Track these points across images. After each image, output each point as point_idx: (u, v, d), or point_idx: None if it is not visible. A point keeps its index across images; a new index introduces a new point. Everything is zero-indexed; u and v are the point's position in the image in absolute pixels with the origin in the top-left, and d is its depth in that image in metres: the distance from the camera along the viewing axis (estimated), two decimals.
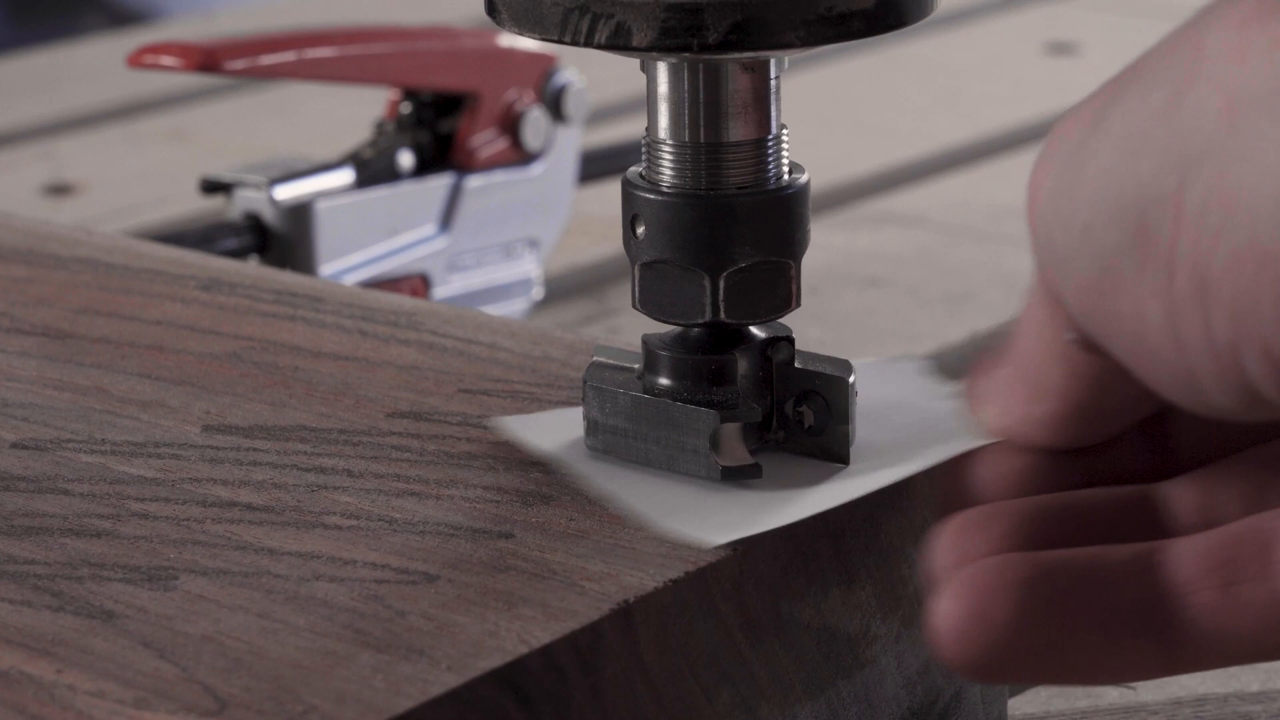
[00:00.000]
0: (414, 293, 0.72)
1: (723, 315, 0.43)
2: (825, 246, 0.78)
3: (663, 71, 0.43)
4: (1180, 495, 0.38)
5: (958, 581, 0.35)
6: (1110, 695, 0.48)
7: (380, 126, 0.74)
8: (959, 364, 0.47)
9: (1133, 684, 0.47)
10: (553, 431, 0.44)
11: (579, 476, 0.42)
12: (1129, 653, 0.35)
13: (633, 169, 0.44)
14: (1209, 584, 0.35)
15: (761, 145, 0.43)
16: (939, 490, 0.39)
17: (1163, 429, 0.39)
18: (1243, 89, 0.32)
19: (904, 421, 0.43)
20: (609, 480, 0.42)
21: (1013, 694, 0.48)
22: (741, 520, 0.40)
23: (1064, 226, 0.34)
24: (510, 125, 0.74)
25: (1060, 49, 1.05)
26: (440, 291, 0.73)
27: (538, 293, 0.76)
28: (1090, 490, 0.38)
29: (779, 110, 0.43)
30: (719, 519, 0.40)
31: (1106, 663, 0.35)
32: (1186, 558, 0.35)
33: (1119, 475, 0.38)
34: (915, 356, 0.46)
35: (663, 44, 0.41)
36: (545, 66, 0.75)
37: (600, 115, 0.89)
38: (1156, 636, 0.35)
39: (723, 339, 0.43)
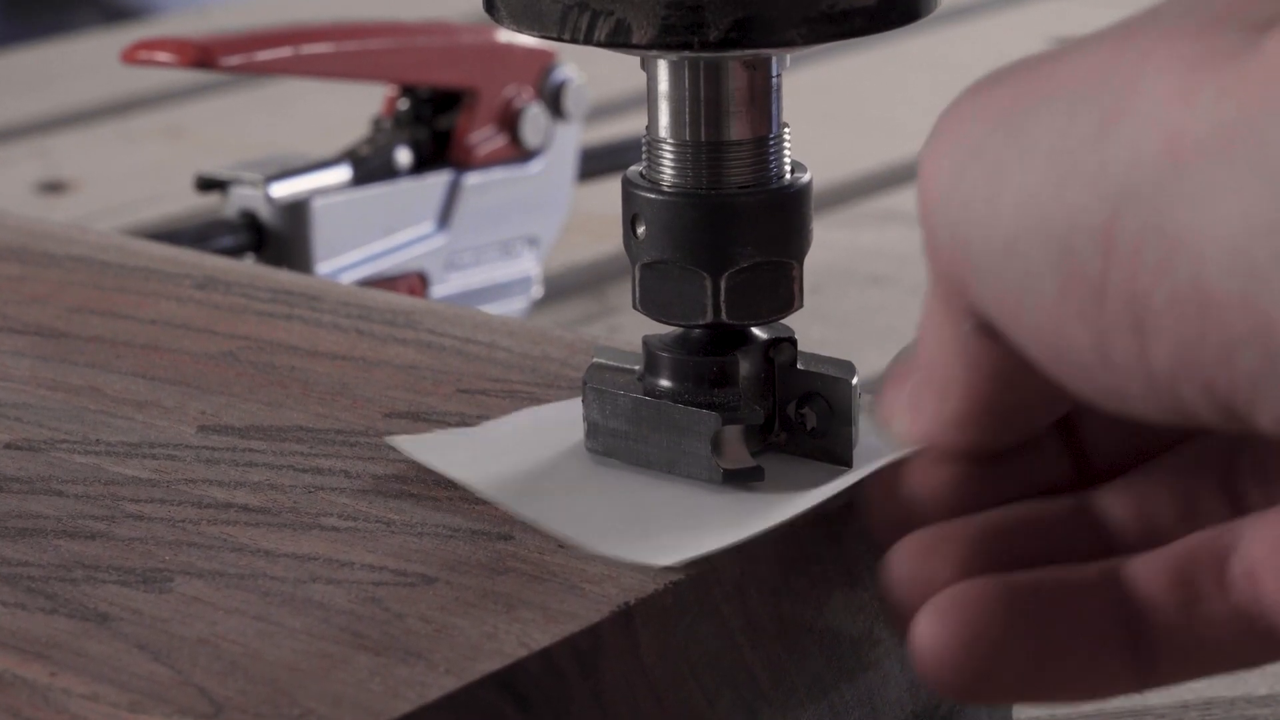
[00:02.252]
0: (412, 291, 0.72)
1: (724, 316, 0.42)
2: (828, 244, 0.78)
3: (663, 69, 0.43)
4: (1115, 505, 0.38)
5: (937, 606, 0.36)
6: (1116, 699, 0.48)
7: (377, 123, 0.74)
8: None
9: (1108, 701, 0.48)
10: (456, 452, 0.43)
11: (497, 503, 0.41)
12: (1106, 670, 0.36)
13: (633, 168, 0.43)
14: (1170, 602, 0.35)
15: (763, 144, 0.42)
16: (868, 505, 0.39)
17: (1077, 435, 0.39)
18: (1187, 133, 0.31)
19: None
20: (527, 506, 0.41)
21: None
22: (684, 541, 0.39)
23: (983, 236, 0.34)
24: (509, 122, 0.74)
25: (1066, 44, 1.04)
26: (438, 290, 0.73)
27: (537, 291, 0.76)
28: (1028, 504, 0.38)
29: (781, 108, 0.43)
30: (660, 540, 0.40)
31: (1086, 681, 0.36)
32: (1147, 576, 0.36)
33: (1041, 484, 0.38)
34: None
35: (663, 41, 0.40)
36: (544, 62, 0.75)
37: (600, 112, 0.89)
38: (1131, 653, 0.35)
39: (724, 340, 0.43)
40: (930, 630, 0.35)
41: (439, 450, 0.43)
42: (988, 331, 0.35)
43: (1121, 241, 0.32)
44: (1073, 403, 0.37)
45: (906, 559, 0.37)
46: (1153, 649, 0.35)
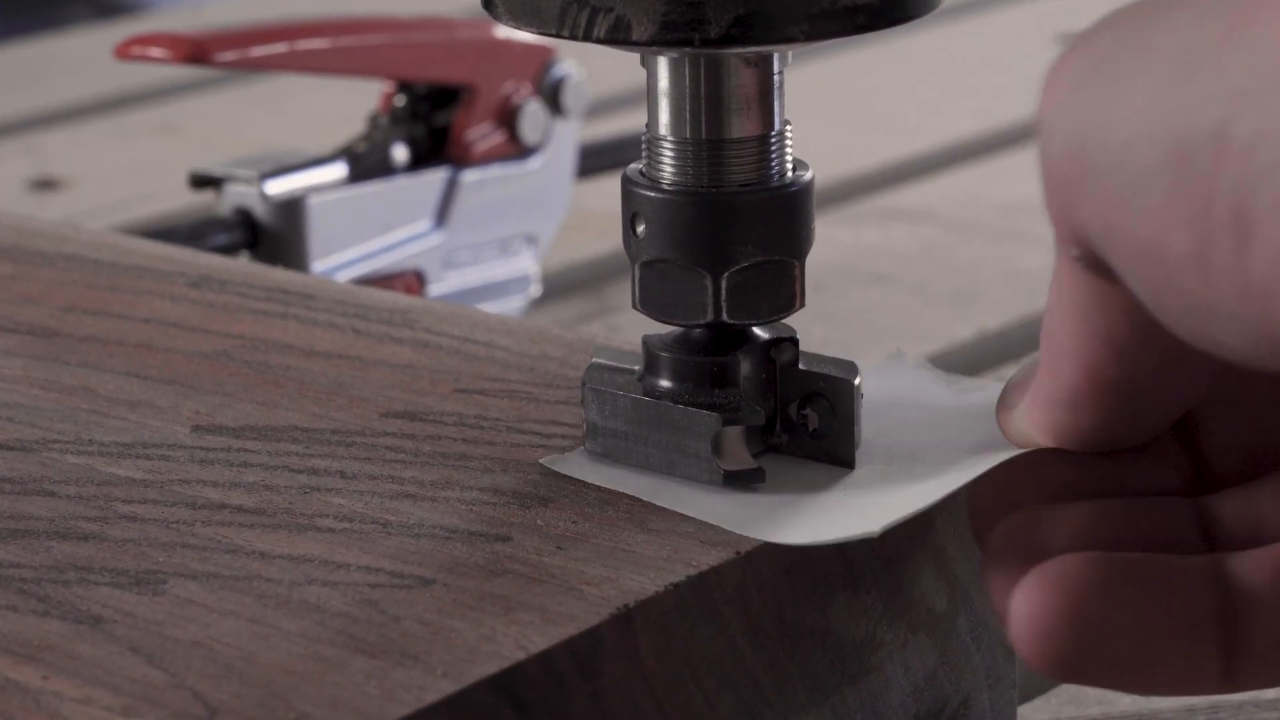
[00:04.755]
0: (409, 290, 0.72)
1: (725, 316, 0.42)
2: (830, 242, 0.77)
3: (663, 67, 0.42)
4: (1228, 509, 0.38)
5: (1043, 574, 0.35)
6: (1123, 703, 0.48)
7: (374, 120, 0.74)
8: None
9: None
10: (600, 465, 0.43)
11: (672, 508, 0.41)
12: (1197, 662, 0.35)
13: (633, 166, 0.43)
14: (1272, 597, 0.35)
15: (764, 141, 0.42)
16: (976, 498, 0.39)
17: (1198, 445, 0.39)
18: None
19: (912, 419, 0.43)
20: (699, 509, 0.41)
21: (1022, 701, 0.47)
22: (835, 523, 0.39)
23: (1099, 137, 0.34)
24: (507, 118, 0.74)
25: (1071, 40, 1.04)
26: (436, 288, 0.73)
27: (535, 290, 0.76)
28: (1141, 499, 0.38)
29: (782, 105, 0.42)
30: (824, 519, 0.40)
31: (1174, 671, 0.35)
32: (1252, 568, 0.35)
33: (1156, 490, 0.38)
34: (903, 355, 0.45)
35: (663, 38, 0.40)
36: (543, 58, 0.74)
37: (599, 108, 0.89)
38: (1220, 647, 0.35)
39: (725, 340, 0.43)
40: (1032, 598, 0.35)
41: (588, 466, 0.43)
42: (1091, 262, 0.35)
43: (1235, 141, 0.32)
44: (1188, 397, 0.37)
45: (1011, 533, 0.37)
46: (1244, 648, 0.35)
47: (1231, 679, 0.35)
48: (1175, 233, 0.33)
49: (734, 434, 0.42)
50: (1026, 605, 0.35)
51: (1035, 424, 0.39)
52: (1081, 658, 0.35)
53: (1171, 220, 0.33)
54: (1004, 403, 0.40)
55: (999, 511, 0.38)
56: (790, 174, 0.43)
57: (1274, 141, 0.31)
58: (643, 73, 0.43)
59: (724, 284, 0.42)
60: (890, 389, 0.44)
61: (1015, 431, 0.39)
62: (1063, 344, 0.37)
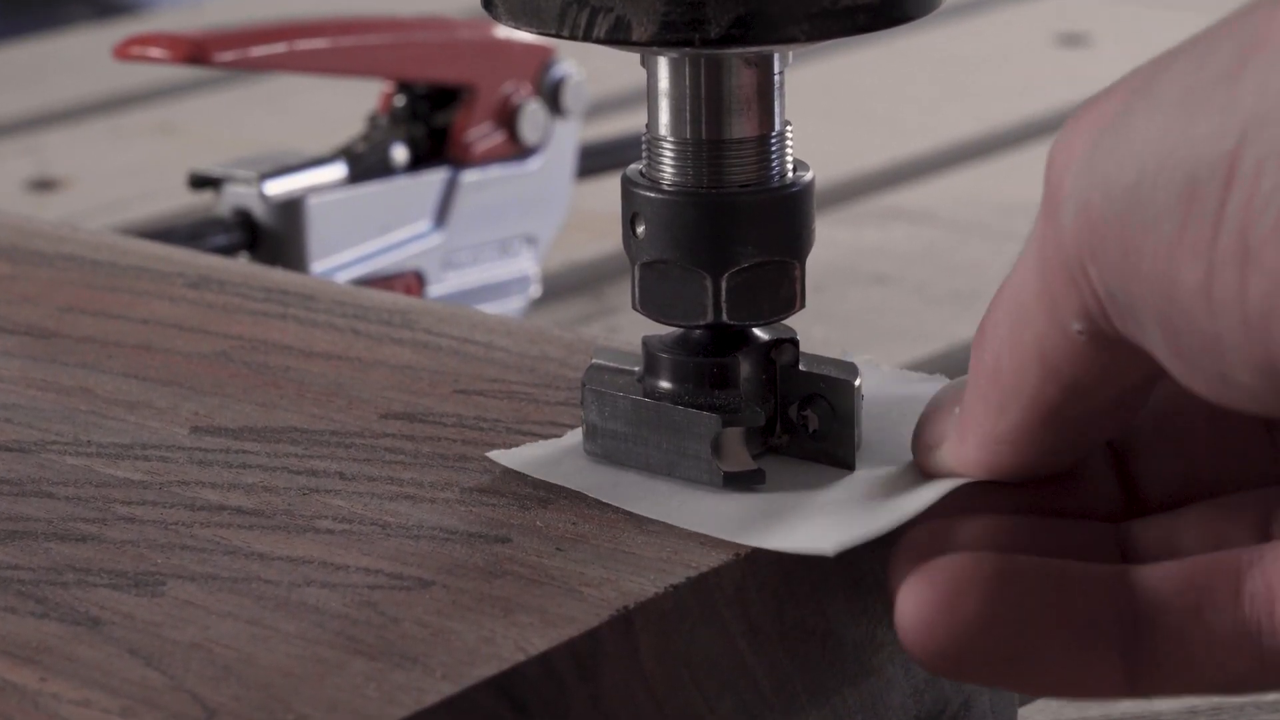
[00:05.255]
0: (408, 291, 0.72)
1: (725, 317, 0.42)
2: (831, 243, 0.77)
3: (663, 67, 0.42)
4: (1147, 533, 0.38)
5: (928, 570, 0.35)
6: (1124, 703, 0.48)
7: (373, 120, 0.74)
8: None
9: (1086, 703, 0.48)
10: (561, 462, 0.43)
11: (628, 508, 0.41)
12: (1094, 665, 0.35)
13: (633, 166, 0.43)
14: (1179, 606, 0.35)
15: (765, 142, 0.42)
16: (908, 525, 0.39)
17: (1130, 474, 0.39)
18: None
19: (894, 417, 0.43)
20: (651, 507, 0.41)
21: (1023, 703, 0.47)
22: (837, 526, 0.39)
23: (1105, 187, 0.34)
24: (507, 118, 0.74)
25: (1072, 40, 1.04)
26: (435, 289, 0.73)
27: (535, 290, 0.75)
28: (1059, 519, 0.38)
29: (783, 106, 0.42)
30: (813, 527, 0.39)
31: (1070, 674, 0.35)
32: (1159, 580, 0.35)
33: (1082, 513, 0.39)
34: (872, 361, 0.45)
35: (663, 38, 0.40)
36: (543, 58, 0.74)
37: (599, 108, 0.89)
38: (1123, 653, 0.35)
39: (725, 341, 0.43)
40: (915, 594, 0.35)
41: (542, 463, 0.43)
42: (1094, 334, 0.35)
43: (1244, 167, 0.32)
44: (1120, 423, 0.37)
45: (917, 537, 0.37)
46: (1149, 655, 0.35)
47: (1137, 685, 0.35)
48: (1185, 266, 0.33)
49: (734, 435, 0.42)
50: (909, 599, 0.35)
51: (970, 463, 0.38)
52: (963, 654, 0.35)
53: (1181, 254, 0.33)
54: (923, 442, 0.40)
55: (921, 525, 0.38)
56: (791, 174, 0.43)
57: (1278, 165, 0.32)
58: (643, 73, 0.43)
59: (724, 285, 0.42)
60: (880, 391, 0.44)
61: (943, 470, 0.39)
62: (1015, 386, 0.37)
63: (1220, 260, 0.32)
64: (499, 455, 0.43)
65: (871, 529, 0.39)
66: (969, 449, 0.38)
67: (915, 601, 0.35)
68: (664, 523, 0.41)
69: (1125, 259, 0.34)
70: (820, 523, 0.40)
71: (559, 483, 0.42)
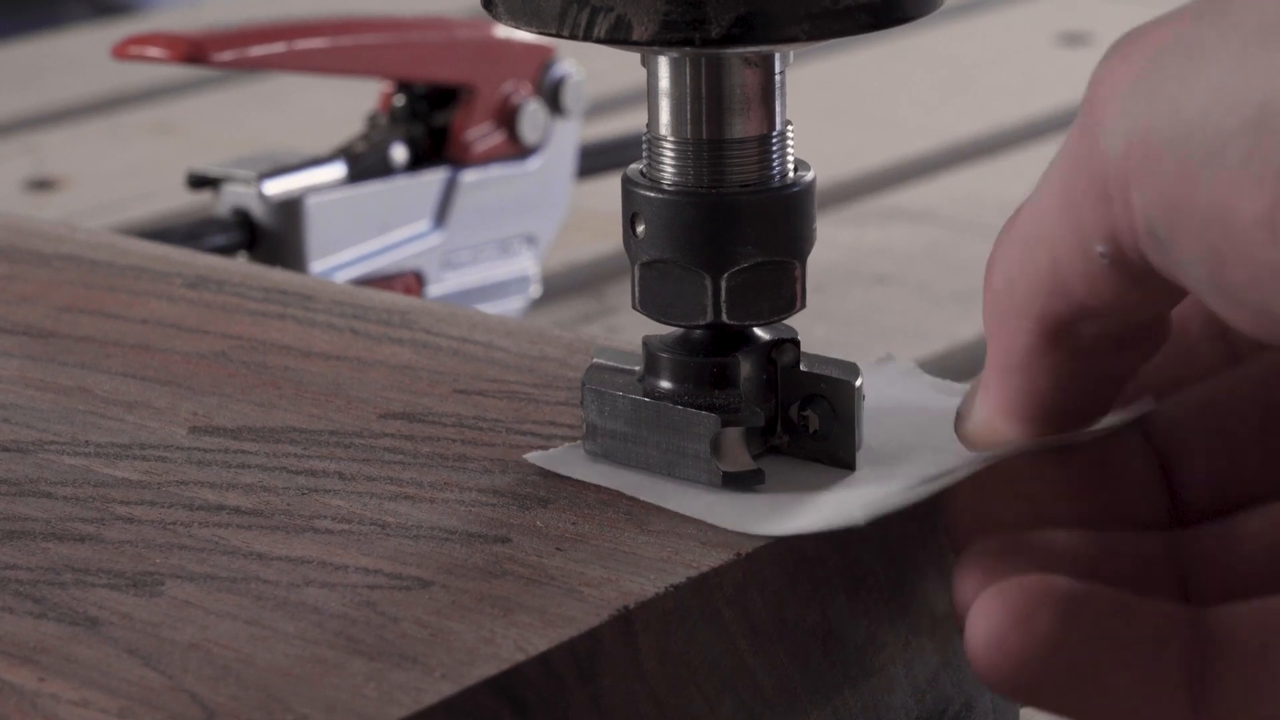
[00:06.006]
0: (408, 290, 0.72)
1: (725, 317, 0.42)
2: (832, 243, 0.77)
3: (664, 66, 0.42)
4: (1202, 547, 0.38)
5: (1000, 589, 0.35)
6: None
7: (373, 119, 0.74)
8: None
9: None
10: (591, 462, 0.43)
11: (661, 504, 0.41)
12: (1158, 701, 0.35)
13: (633, 166, 0.43)
14: (1249, 646, 0.35)
15: (765, 142, 0.42)
16: (947, 515, 0.39)
17: (1170, 474, 0.39)
18: None
19: (905, 421, 0.43)
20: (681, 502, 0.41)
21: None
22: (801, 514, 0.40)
23: (1171, 111, 0.34)
24: (507, 118, 0.74)
25: (1073, 40, 1.04)
26: (435, 289, 0.73)
27: (535, 290, 0.75)
28: (1117, 534, 0.38)
29: (784, 105, 0.42)
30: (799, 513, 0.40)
31: (1134, 706, 0.35)
32: (1231, 618, 0.35)
33: (1134, 519, 0.38)
34: (893, 358, 0.45)
35: (664, 38, 0.40)
36: (543, 58, 0.74)
37: (599, 108, 0.88)
38: (1190, 694, 0.35)
39: (725, 341, 0.43)
40: (986, 614, 0.35)
41: (576, 463, 0.43)
42: (1118, 260, 0.35)
43: None
44: (1127, 369, 0.37)
45: (981, 552, 0.37)
46: (1215, 694, 0.35)
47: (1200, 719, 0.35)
48: (1248, 196, 0.33)
49: (733, 435, 0.42)
50: (982, 619, 0.35)
51: (991, 405, 0.38)
52: (1030, 675, 0.35)
53: (1244, 183, 0.33)
54: (958, 415, 0.40)
55: (974, 528, 0.38)
56: (791, 174, 0.42)
57: None
58: (643, 73, 0.43)
59: (724, 285, 0.42)
60: (882, 392, 0.44)
61: (974, 423, 0.39)
62: (1025, 306, 0.37)
63: None
64: (535, 457, 0.43)
65: (900, 500, 0.39)
66: (989, 393, 0.38)
67: (987, 620, 0.35)
68: (667, 523, 0.41)
69: (1179, 186, 0.34)
70: (845, 497, 0.40)
71: (605, 484, 0.42)
